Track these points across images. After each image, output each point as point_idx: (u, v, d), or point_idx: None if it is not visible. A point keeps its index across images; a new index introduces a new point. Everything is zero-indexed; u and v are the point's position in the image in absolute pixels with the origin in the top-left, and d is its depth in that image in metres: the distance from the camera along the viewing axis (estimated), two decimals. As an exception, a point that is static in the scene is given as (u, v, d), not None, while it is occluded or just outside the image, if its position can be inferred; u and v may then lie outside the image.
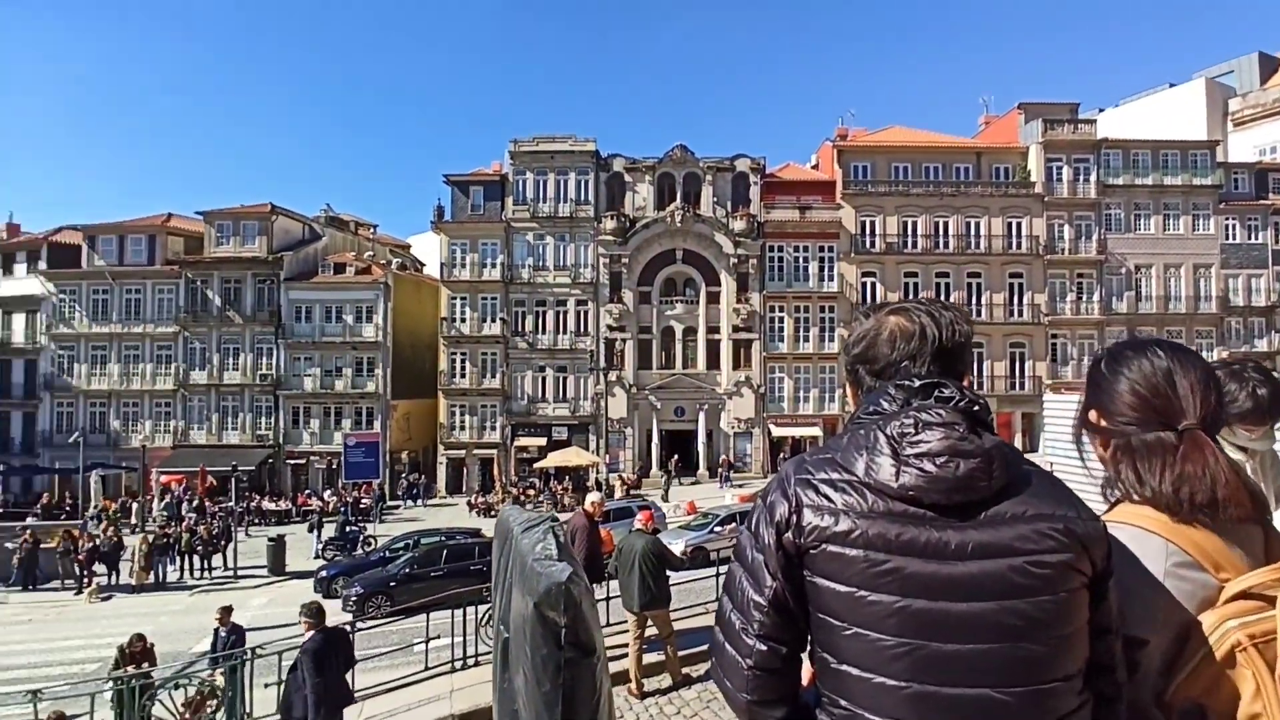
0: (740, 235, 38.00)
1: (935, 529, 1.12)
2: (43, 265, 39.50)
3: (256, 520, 31.98)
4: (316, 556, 24.06)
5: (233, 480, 28.86)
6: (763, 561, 1.22)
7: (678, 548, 15.44)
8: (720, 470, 36.20)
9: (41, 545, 21.58)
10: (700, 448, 37.55)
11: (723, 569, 10.40)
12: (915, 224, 38.50)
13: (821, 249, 38.62)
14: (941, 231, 38.52)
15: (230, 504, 28.23)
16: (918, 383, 1.24)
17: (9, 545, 21.18)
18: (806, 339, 38.43)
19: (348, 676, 7.74)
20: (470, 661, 8.88)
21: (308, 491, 36.08)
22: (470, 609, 9.13)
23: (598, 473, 35.73)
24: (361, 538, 24.88)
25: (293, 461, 37.79)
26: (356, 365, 38.05)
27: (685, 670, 7.88)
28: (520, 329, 38.48)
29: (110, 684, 9.78)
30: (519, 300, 38.62)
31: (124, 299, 38.74)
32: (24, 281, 39.81)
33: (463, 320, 38.60)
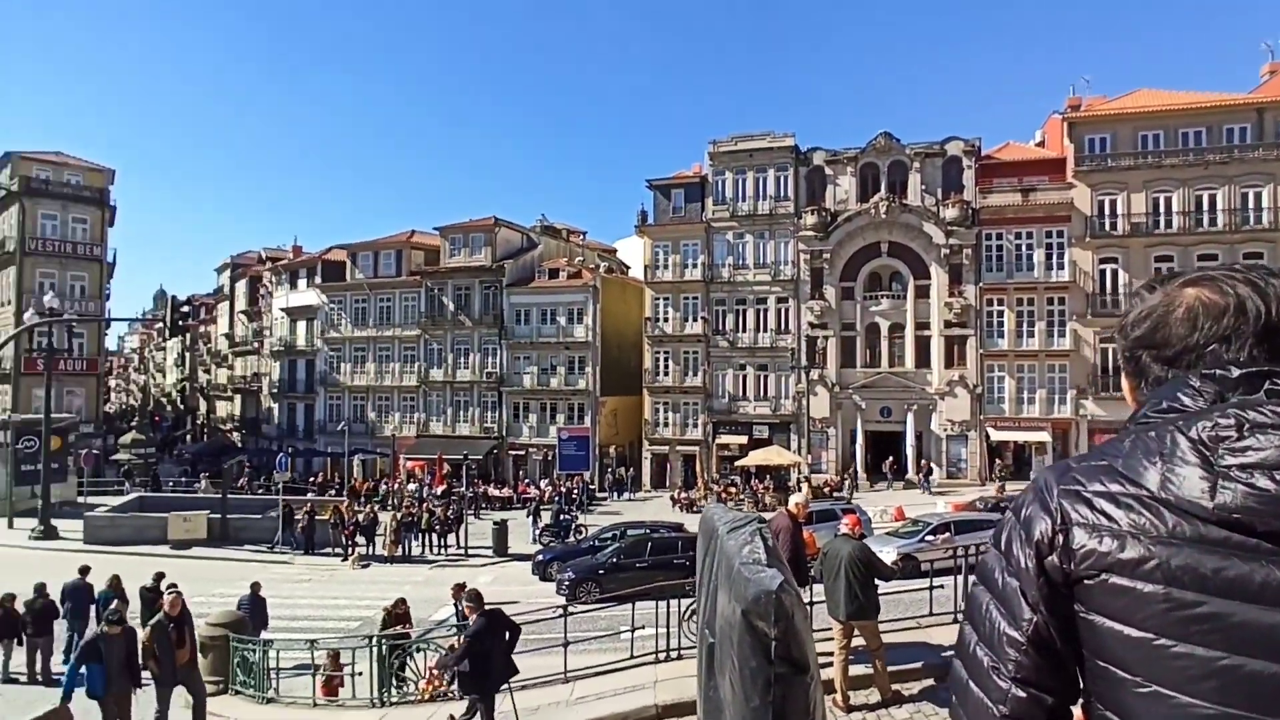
0: (952, 224, 35.30)
1: (1275, 565, 0.83)
2: (318, 280, 46.60)
3: (483, 505, 35.25)
4: (534, 541, 26.01)
5: (464, 468, 32.19)
6: (1017, 589, 1.00)
7: (887, 556, 14.66)
8: (919, 474, 33.99)
9: (316, 516, 25.48)
10: (909, 450, 35.46)
11: (937, 582, 9.77)
12: (1169, 200, 33.28)
13: (1049, 234, 34.71)
14: (1207, 206, 32.95)
15: (462, 489, 31.45)
16: (1236, 372, 0.96)
17: (296, 516, 25.19)
18: (1030, 334, 34.76)
19: (514, 658, 8.50)
20: (674, 654, 9.11)
21: (526, 480, 39.13)
22: (674, 602, 9.39)
23: (799, 472, 35.06)
24: (574, 526, 26.53)
25: (514, 452, 41.18)
26: (569, 364, 40.59)
27: (895, 687, 7.48)
28: (721, 328, 38.81)
29: (371, 640, 11.29)
30: (719, 299, 38.97)
31: (378, 307, 44.60)
32: (305, 294, 47.26)
33: (666, 320, 39.73)
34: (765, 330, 38.17)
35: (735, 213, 38.85)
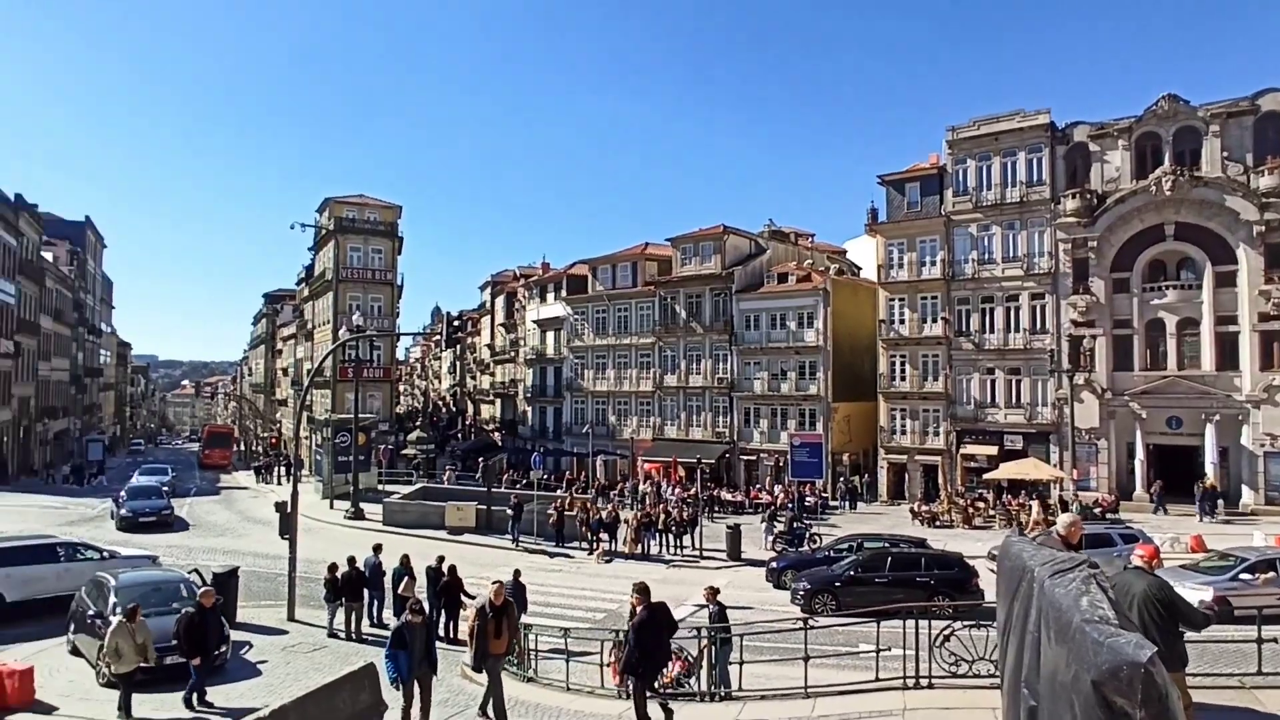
0: (1270, 195, 29.30)
1: None
2: (563, 293, 50.65)
3: (716, 508, 35.85)
4: (768, 548, 25.93)
5: (697, 471, 33.04)
6: None
7: (1194, 596, 12.23)
8: (1202, 497, 28.53)
9: (565, 512, 27.62)
10: (1209, 468, 29.97)
11: (1268, 632, 8.19)
12: None
13: None
14: None
15: (696, 491, 32.29)
16: None
17: (549, 511, 27.55)
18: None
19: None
20: (924, 682, 8.60)
21: (758, 486, 39.15)
22: (923, 623, 8.87)
23: (1062, 489, 31.22)
24: (808, 535, 26.05)
25: (745, 457, 41.42)
26: (800, 369, 39.97)
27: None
28: (964, 328, 35.85)
29: (618, 633, 12.00)
30: (962, 298, 36.03)
31: (616, 316, 47.38)
32: (552, 306, 51.62)
33: (901, 322, 37.61)
34: (1017, 330, 34.55)
35: (979, 203, 35.68)
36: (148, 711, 10.43)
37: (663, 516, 26.77)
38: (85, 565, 15.77)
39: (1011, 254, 34.93)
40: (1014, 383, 34.60)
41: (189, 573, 15.47)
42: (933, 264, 36.85)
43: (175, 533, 26.38)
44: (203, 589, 12.00)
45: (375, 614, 15.92)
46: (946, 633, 8.82)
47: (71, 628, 13.22)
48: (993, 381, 35.15)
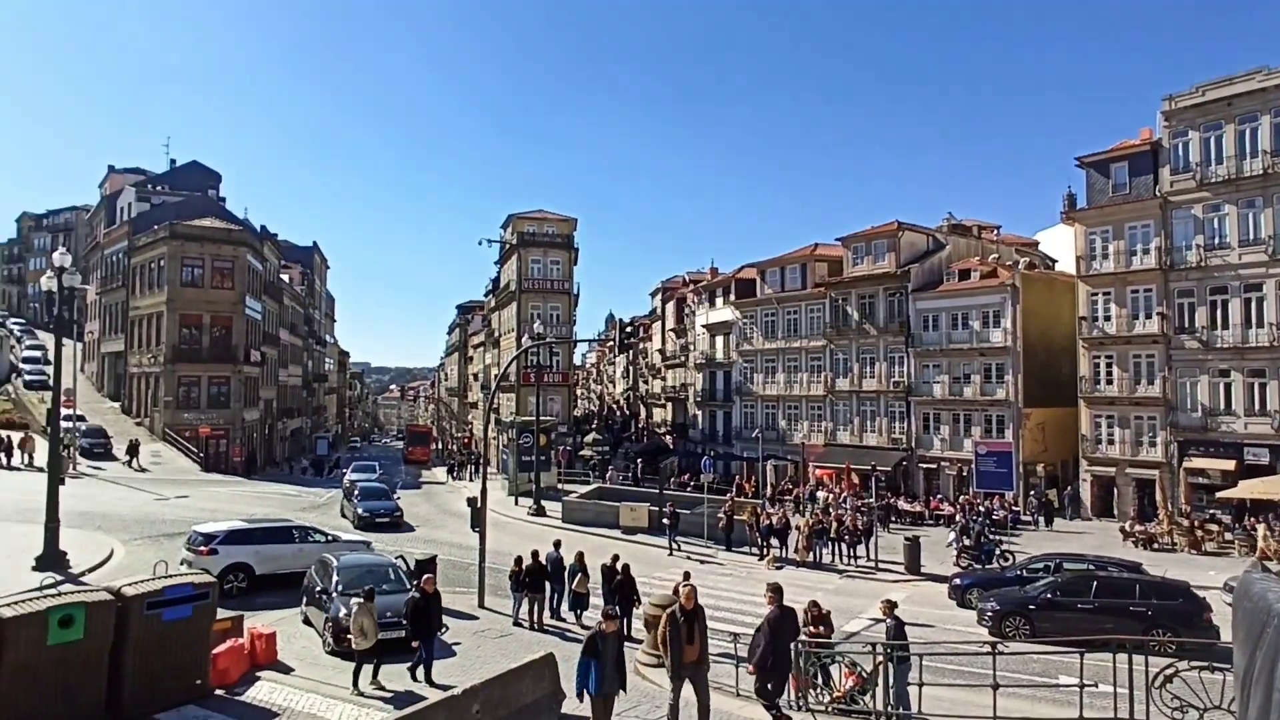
0: None
1: None
2: (732, 297, 50.70)
3: (893, 518, 34.20)
4: (954, 563, 24.37)
5: (872, 479, 31.73)
6: None
7: None
8: None
9: (735, 517, 27.63)
10: None
11: None
12: None
13: None
14: None
15: (871, 500, 31.01)
16: None
17: (719, 514, 27.72)
18: None
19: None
20: (1135, 724, 7.74)
21: (939, 496, 36.83)
22: (1137, 659, 7.98)
23: (1324, 512, 26.49)
24: (998, 551, 24.18)
25: (924, 465, 39.13)
26: (985, 372, 37.13)
27: None
28: (1188, 324, 31.48)
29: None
30: (1184, 290, 31.66)
31: (785, 319, 46.66)
32: (721, 311, 51.81)
33: (1107, 319, 33.74)
34: (1260, 325, 29.77)
35: (1205, 179, 31.16)
36: (363, 683, 11.79)
37: (835, 524, 26.00)
38: (314, 547, 18.10)
39: (1252, 236, 30.17)
40: (1257, 386, 29.84)
41: (395, 558, 17.27)
42: (1145, 252, 32.72)
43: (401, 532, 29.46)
44: (425, 576, 13.22)
45: (555, 606, 16.89)
46: (1169, 672, 7.87)
47: (304, 600, 15.23)
48: (1227, 385, 30.54)
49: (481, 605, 17.14)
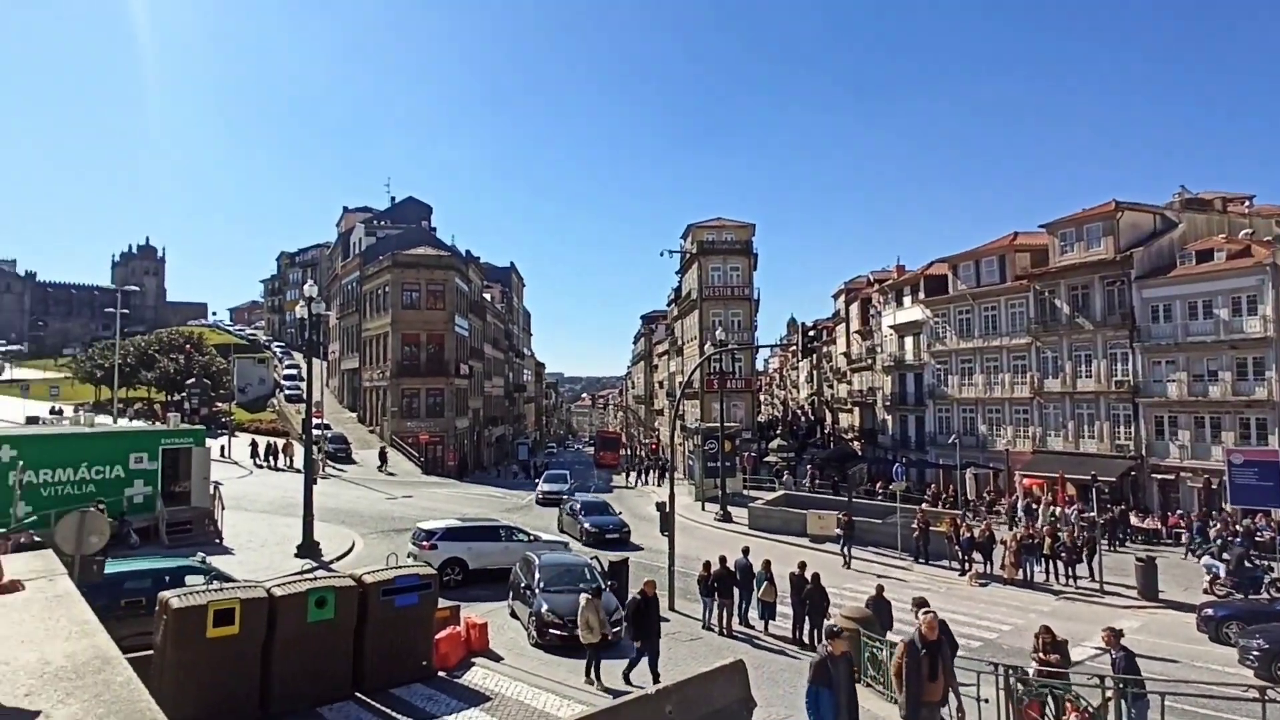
0: None
1: None
2: (921, 295, 47.87)
3: (1121, 535, 30.44)
4: (1208, 590, 21.27)
5: (1092, 490, 28.45)
6: None
7: None
8: None
9: (930, 527, 26.02)
10: None
11: None
12: None
13: None
14: None
15: (1092, 514, 27.83)
16: None
17: (913, 525, 26.28)
18: None
19: None
20: None
21: (1179, 511, 32.22)
22: None
23: None
24: (1267, 579, 20.75)
25: (1158, 476, 34.40)
26: (1237, 367, 31.96)
27: None
28: None
29: (1001, 668, 11.02)
30: None
31: (982, 316, 43.22)
32: (910, 310, 49.11)
33: None
34: None
35: None
36: (563, 675, 12.59)
37: (1049, 540, 23.64)
38: (518, 545, 19.58)
39: None
40: None
41: (590, 559, 18.22)
42: None
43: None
44: (646, 580, 13.47)
45: (743, 613, 16.93)
46: None
47: (510, 595, 16.52)
48: None
49: (671, 608, 17.59)
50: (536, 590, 14.89)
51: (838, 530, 25.72)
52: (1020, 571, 22.82)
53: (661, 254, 48.16)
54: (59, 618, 2.66)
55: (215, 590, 10.22)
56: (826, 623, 15.24)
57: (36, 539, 13.50)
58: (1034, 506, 33.28)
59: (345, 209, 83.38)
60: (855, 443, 59.65)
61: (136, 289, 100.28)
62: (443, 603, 13.09)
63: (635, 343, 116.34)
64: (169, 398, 59.67)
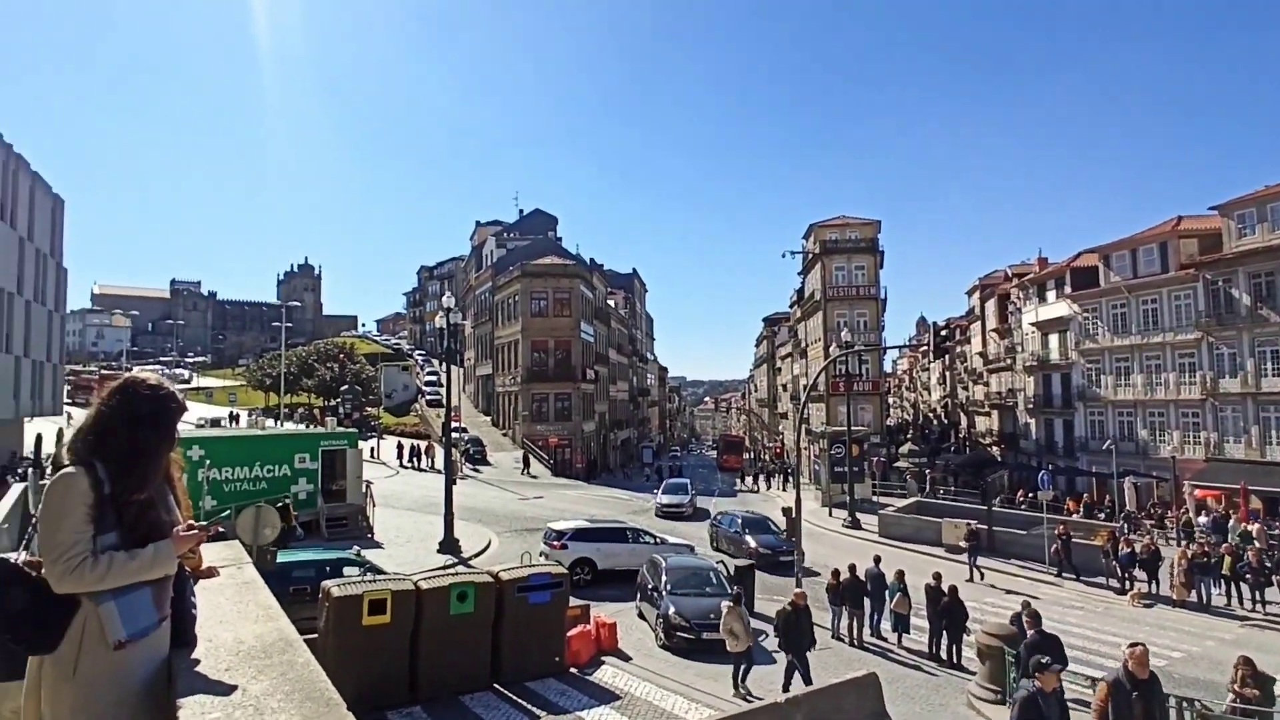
0: None
1: None
2: (1066, 289, 44.33)
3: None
4: None
5: (1282, 504, 25.27)
6: None
7: None
8: None
9: (1072, 539, 23.97)
10: None
11: None
12: None
13: None
14: None
15: (1281, 531, 24.73)
16: None
17: (1056, 536, 24.34)
18: None
19: None
20: None
21: (1396, 529, 27.95)
22: None
23: None
24: None
25: (1368, 488, 30.00)
26: None
27: None
28: None
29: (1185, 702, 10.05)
30: None
31: (1140, 310, 39.41)
32: (1054, 306, 45.60)
33: None
34: None
35: None
36: (690, 677, 12.65)
37: (1228, 559, 21.21)
38: (645, 547, 19.87)
39: None
40: None
41: (716, 563, 18.21)
42: None
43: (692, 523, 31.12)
44: (795, 590, 13.24)
45: (875, 624, 16.35)
46: None
47: (638, 596, 16.80)
48: None
49: (798, 616, 17.25)
50: (664, 592, 15.06)
51: (964, 543, 24.24)
52: (1193, 593, 20.62)
53: (783, 255, 47.76)
54: (248, 602, 3.02)
55: (369, 581, 11.09)
56: (968, 638, 14.49)
57: (222, 530, 15.19)
58: (1219, 521, 29.92)
59: (478, 223, 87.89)
60: (994, 448, 56.02)
61: (298, 304, 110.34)
62: (573, 601, 13.50)
63: (757, 345, 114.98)
64: (326, 403, 65.14)
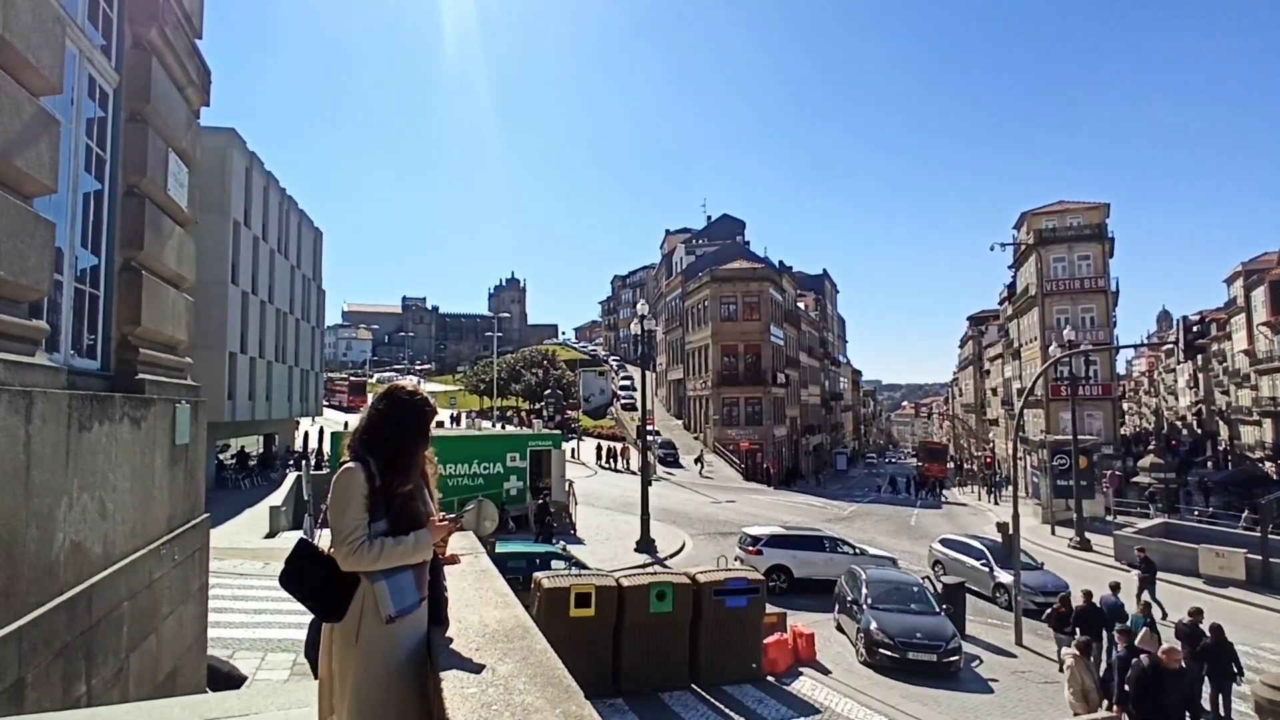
0: None
1: None
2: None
3: None
4: None
5: None
6: None
7: None
8: None
9: None
10: None
11: None
12: None
13: None
14: None
15: None
16: None
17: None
18: None
19: None
20: None
21: None
22: None
23: None
24: None
25: None
26: None
27: None
28: None
29: None
30: None
31: None
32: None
33: None
34: None
35: None
36: (895, 699, 11.98)
37: None
38: (843, 557, 19.17)
39: None
40: None
41: (922, 578, 17.12)
42: None
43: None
44: (1165, 647, 9.76)
45: (1109, 659, 14.47)
46: None
47: (836, 608, 16.23)
48: None
49: (1019, 643, 15.77)
50: (864, 606, 14.43)
51: (1140, 573, 18.94)
52: None
53: (991, 248, 43.75)
54: (486, 589, 3.32)
55: (575, 575, 11.73)
56: (1238, 688, 12.37)
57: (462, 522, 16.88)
58: None
59: (667, 231, 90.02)
60: (1266, 463, 47.44)
61: (506, 315, 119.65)
62: (770, 609, 13.34)
63: (961, 346, 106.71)
64: (531, 406, 69.99)
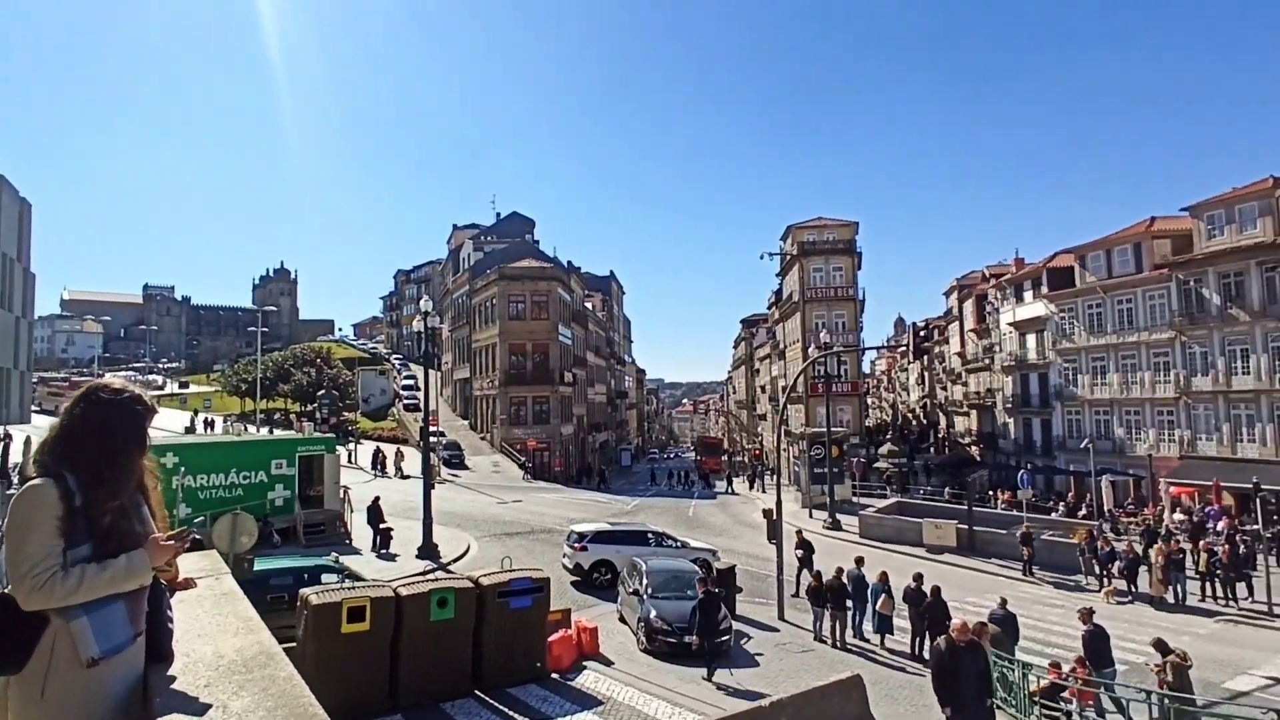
0: None
1: None
2: (1043, 289, 44.98)
3: (1287, 550, 27.35)
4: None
5: (1255, 500, 25.79)
6: None
7: None
8: None
9: (1036, 536, 24.47)
10: None
11: None
12: None
13: None
14: None
15: (1256, 527, 25.23)
16: None
17: (1018, 533, 24.65)
18: None
19: None
20: None
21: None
22: None
23: None
24: None
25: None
26: None
27: None
28: None
29: (1152, 695, 10.19)
30: None
31: (1115, 310, 40.08)
32: (1031, 306, 46.25)
33: None
34: None
35: None
36: (673, 681, 12.58)
37: (1203, 556, 21.59)
38: (667, 551, 19.60)
39: None
40: None
41: (701, 564, 18.14)
42: None
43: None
44: (975, 621, 11.32)
45: (857, 625, 16.40)
46: None
47: (618, 599, 16.69)
48: None
49: (781, 617, 17.28)
50: (645, 596, 14.98)
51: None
52: (1169, 589, 20.94)
53: (761, 257, 48.12)
54: (227, 614, 2.91)
55: (348, 589, 10.90)
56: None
57: (198, 538, 14.89)
58: (1180, 517, 30.42)
59: (455, 226, 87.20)
60: (973, 448, 56.67)
61: (274, 309, 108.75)
62: (554, 606, 13.38)
63: (735, 347, 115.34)
64: (302, 408, 64.25)
